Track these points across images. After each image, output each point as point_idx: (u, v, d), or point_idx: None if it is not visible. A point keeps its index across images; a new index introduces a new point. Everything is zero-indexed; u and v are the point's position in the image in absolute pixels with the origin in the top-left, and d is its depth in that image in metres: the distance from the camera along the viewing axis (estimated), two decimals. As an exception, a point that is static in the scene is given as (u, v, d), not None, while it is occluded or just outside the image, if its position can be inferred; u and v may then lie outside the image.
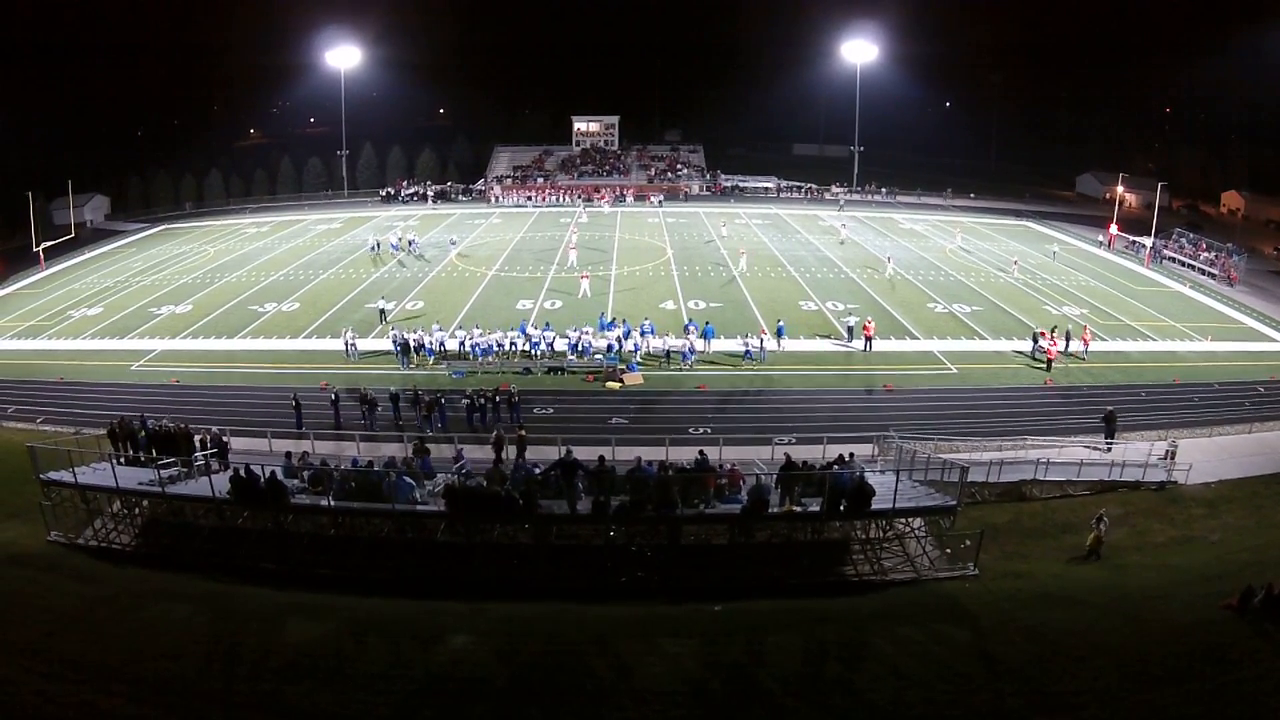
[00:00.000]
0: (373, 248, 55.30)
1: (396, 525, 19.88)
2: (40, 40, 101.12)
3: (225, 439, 24.85)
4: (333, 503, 19.44)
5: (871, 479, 21.00)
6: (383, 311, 40.19)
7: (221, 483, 20.42)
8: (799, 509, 18.38)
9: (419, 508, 19.06)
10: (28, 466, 21.39)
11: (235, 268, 52.84)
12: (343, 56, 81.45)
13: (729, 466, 19.88)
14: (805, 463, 20.24)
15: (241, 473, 19.72)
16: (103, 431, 27.24)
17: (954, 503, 18.93)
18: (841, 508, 18.41)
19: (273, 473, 19.56)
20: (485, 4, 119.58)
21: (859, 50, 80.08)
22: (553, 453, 24.95)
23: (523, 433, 25.32)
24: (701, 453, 21.18)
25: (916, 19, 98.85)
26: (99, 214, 78.81)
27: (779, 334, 35.34)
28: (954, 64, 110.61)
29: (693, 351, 33.46)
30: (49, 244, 57.85)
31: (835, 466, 20.46)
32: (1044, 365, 34.06)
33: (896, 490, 18.54)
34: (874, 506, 18.50)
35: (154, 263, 56.25)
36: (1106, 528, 20.81)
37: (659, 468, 19.11)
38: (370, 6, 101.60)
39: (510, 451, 25.02)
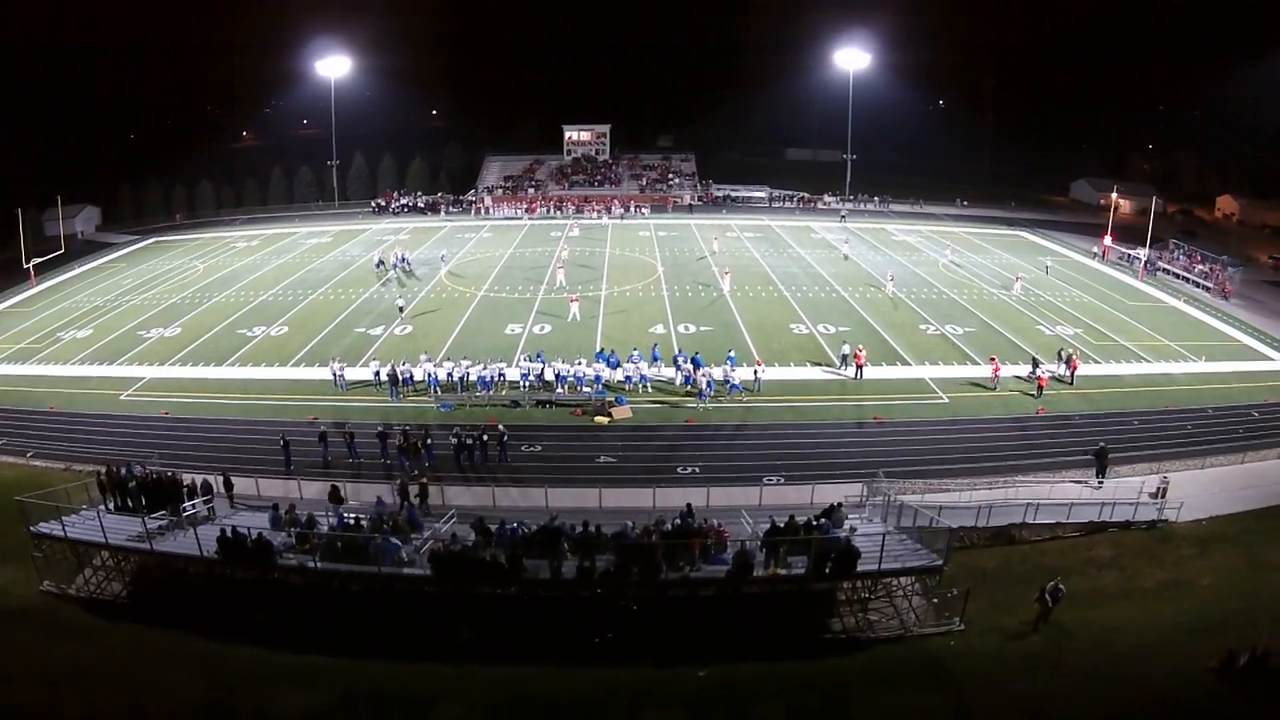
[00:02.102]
0: (378, 264, 55.03)
1: (384, 583, 19.78)
2: (35, 42, 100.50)
3: (219, 484, 24.83)
4: (319, 564, 19.37)
5: (859, 529, 21.01)
6: (401, 309, 44.97)
7: (209, 536, 20.32)
8: (784, 572, 18.30)
9: (404, 571, 18.96)
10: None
11: (224, 286, 52.56)
12: (333, 66, 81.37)
13: (715, 524, 19.77)
14: (792, 517, 20.08)
15: (229, 533, 19.69)
16: (92, 469, 27.26)
17: (940, 562, 18.87)
18: (827, 570, 18.33)
19: (259, 535, 19.51)
20: (475, 13, 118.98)
21: (852, 58, 79.71)
22: (540, 497, 25.01)
23: (425, 481, 24.87)
24: (689, 506, 21.11)
25: (909, 23, 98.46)
26: (90, 225, 78.30)
27: (730, 363, 34.22)
28: (947, 66, 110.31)
29: (737, 385, 33.09)
30: (39, 260, 57.50)
31: (823, 520, 20.40)
32: (1035, 393, 34.01)
33: (883, 551, 18.46)
34: (860, 568, 18.43)
35: (144, 280, 55.94)
36: (1059, 599, 19.43)
37: (643, 532, 18.95)
38: (359, 15, 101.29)
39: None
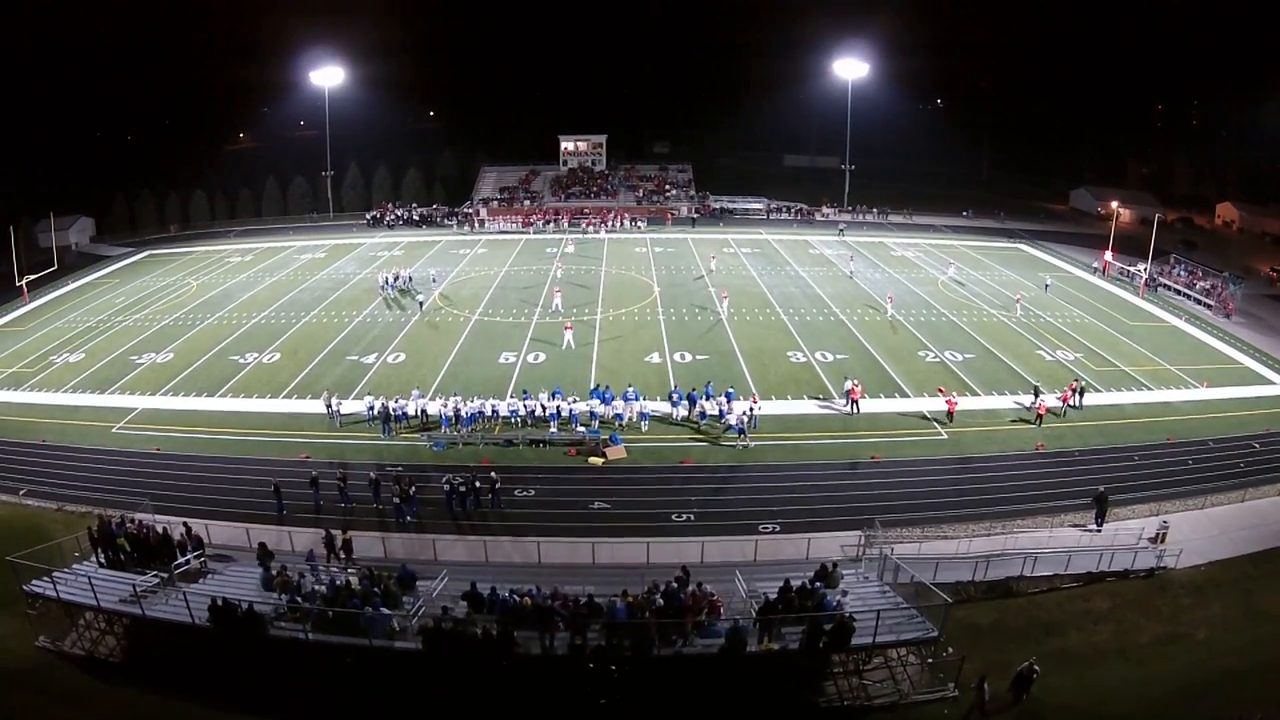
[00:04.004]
0: (381, 286, 54.42)
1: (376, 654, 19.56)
2: (29, 46, 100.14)
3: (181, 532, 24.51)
4: (310, 635, 19.18)
5: (853, 592, 20.80)
6: (421, 304, 49.44)
7: (201, 597, 20.17)
8: (777, 647, 18.08)
9: (396, 644, 18.75)
10: (9, 545, 22.21)
11: (217, 306, 52.24)
12: (327, 75, 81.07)
13: (709, 593, 19.51)
14: (787, 582, 19.84)
15: (219, 602, 19.52)
16: (84, 510, 27.74)
17: (935, 634, 18.67)
18: (821, 644, 18.11)
19: (250, 606, 19.32)
20: (472, 21, 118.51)
21: (850, 67, 79.26)
22: (533, 550, 24.73)
23: (348, 536, 24.35)
24: (685, 570, 20.88)
25: (905, 29, 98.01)
26: (84, 236, 78.06)
27: (708, 396, 33.92)
28: (944, 72, 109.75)
29: (741, 428, 31.93)
30: (32, 277, 57.20)
31: (817, 583, 20.19)
32: (1034, 421, 33.81)
33: (878, 624, 18.25)
34: (854, 640, 18.22)
35: (136, 298, 55.64)
36: (1033, 679, 19.18)
37: (636, 604, 18.69)
38: (355, 25, 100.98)
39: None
